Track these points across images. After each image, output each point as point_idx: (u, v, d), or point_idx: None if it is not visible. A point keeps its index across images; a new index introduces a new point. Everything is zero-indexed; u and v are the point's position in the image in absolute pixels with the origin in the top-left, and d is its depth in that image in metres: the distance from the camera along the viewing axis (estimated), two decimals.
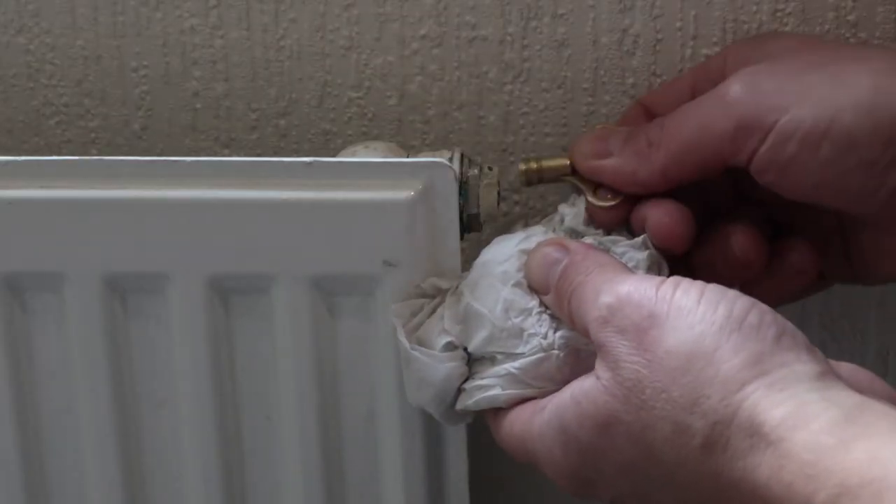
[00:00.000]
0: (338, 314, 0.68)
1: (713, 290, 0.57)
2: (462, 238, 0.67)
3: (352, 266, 0.67)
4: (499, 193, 0.68)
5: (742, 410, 0.53)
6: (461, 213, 0.67)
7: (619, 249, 0.65)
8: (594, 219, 0.67)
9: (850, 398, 0.53)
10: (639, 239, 0.66)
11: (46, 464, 0.72)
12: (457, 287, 0.66)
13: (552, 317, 0.64)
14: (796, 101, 0.63)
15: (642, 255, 0.65)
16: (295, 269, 0.67)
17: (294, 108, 0.77)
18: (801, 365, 0.54)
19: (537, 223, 0.69)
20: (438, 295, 0.67)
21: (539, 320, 0.63)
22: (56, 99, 0.78)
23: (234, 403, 0.70)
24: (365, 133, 0.77)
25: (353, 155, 0.69)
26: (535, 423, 0.62)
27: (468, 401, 0.65)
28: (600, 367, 0.58)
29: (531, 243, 0.65)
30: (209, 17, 0.75)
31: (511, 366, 0.63)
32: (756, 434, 0.53)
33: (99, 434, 0.71)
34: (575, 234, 0.67)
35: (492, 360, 0.64)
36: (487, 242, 0.68)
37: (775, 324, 0.56)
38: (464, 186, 0.67)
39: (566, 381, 0.61)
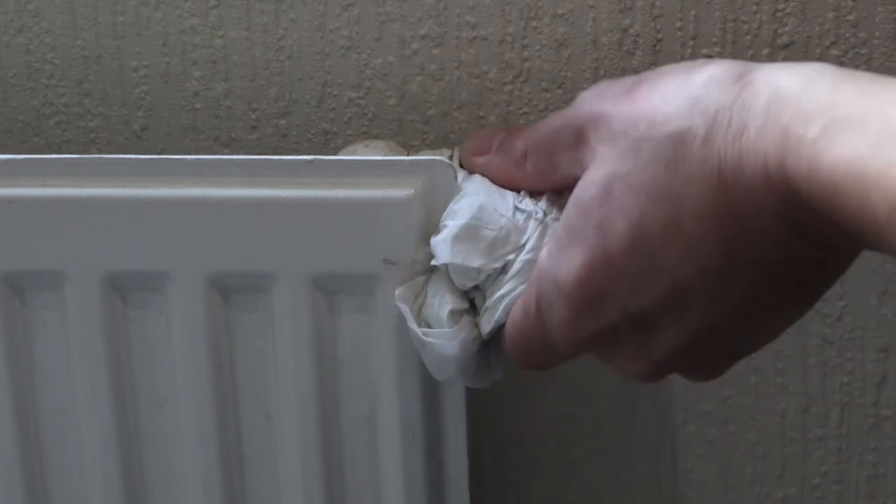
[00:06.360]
0: (338, 313, 0.68)
1: None
2: None
3: (352, 265, 0.67)
4: None
5: (746, 86, 0.54)
6: None
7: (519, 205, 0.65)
8: None
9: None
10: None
11: (46, 464, 0.72)
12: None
13: (529, 194, 0.64)
14: None
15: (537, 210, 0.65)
16: (295, 268, 0.67)
17: (294, 108, 0.77)
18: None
19: None
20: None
21: (521, 200, 0.64)
22: (56, 99, 0.78)
23: (234, 403, 0.70)
24: (365, 133, 0.77)
25: (353, 153, 0.70)
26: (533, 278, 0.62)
27: (492, 320, 0.64)
28: (589, 159, 0.59)
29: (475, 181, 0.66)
30: (209, 17, 0.76)
31: (522, 257, 0.63)
32: (758, 100, 0.53)
33: (99, 434, 0.71)
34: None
35: (504, 269, 0.64)
36: None
37: None
38: None
39: None
